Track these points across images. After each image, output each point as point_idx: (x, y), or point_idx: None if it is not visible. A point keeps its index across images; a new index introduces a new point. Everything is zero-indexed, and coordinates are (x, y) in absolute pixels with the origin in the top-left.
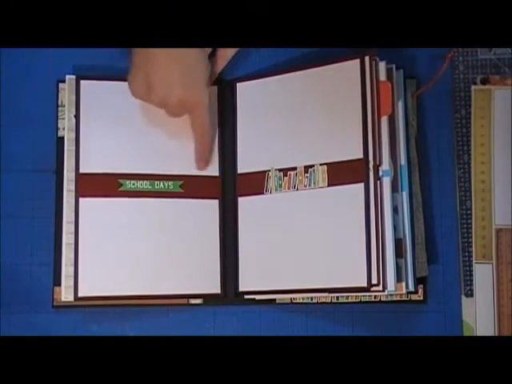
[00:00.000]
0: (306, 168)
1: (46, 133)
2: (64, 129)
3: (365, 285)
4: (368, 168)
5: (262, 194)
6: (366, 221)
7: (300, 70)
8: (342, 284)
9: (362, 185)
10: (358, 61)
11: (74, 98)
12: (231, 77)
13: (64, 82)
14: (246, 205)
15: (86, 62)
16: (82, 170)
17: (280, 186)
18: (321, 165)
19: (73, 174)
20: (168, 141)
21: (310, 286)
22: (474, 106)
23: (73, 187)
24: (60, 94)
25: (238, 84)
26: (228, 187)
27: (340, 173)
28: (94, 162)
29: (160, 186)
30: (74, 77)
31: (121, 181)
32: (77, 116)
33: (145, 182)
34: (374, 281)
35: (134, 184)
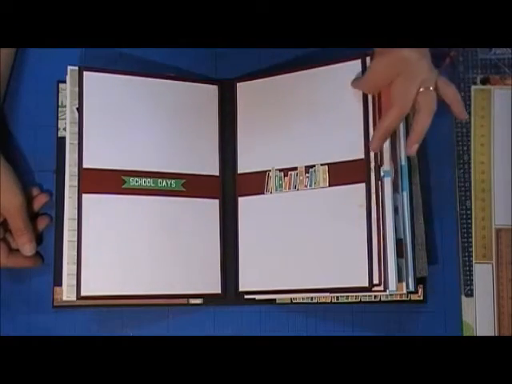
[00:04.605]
0: (307, 168)
1: (46, 133)
2: (64, 129)
3: (366, 285)
4: (369, 168)
5: (263, 194)
6: (368, 221)
7: (301, 70)
8: (343, 284)
9: (363, 185)
10: (359, 61)
11: (76, 90)
12: (231, 77)
13: (64, 82)
14: (247, 205)
15: (87, 63)
16: (85, 165)
17: (280, 186)
18: (322, 165)
19: (75, 170)
20: (171, 138)
21: (311, 286)
22: (474, 106)
23: (75, 183)
24: (60, 95)
25: (238, 84)
26: (228, 187)
27: (341, 173)
28: (97, 157)
29: (163, 184)
30: (76, 68)
31: (125, 178)
32: (79, 109)
33: (148, 179)
34: (376, 281)
35: (137, 181)
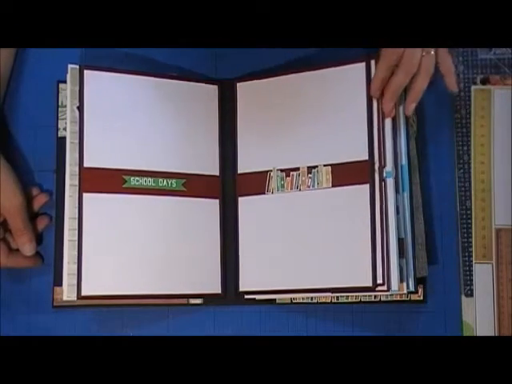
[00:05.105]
0: (309, 169)
1: (46, 133)
2: (65, 129)
3: (370, 284)
4: (373, 170)
5: (264, 194)
6: (372, 222)
7: (304, 71)
8: (346, 284)
9: (366, 186)
10: (363, 64)
11: (76, 89)
12: (231, 77)
13: (64, 82)
14: (247, 205)
15: (87, 63)
16: (85, 164)
17: (282, 186)
18: (324, 166)
19: (76, 169)
20: (172, 138)
21: (312, 285)
22: (473, 106)
23: (76, 182)
24: (60, 95)
25: (238, 84)
26: (228, 187)
27: (344, 174)
28: (98, 157)
29: (163, 183)
30: (77, 67)
31: (125, 177)
32: (80, 108)
33: (149, 179)
34: (380, 280)
35: (138, 181)
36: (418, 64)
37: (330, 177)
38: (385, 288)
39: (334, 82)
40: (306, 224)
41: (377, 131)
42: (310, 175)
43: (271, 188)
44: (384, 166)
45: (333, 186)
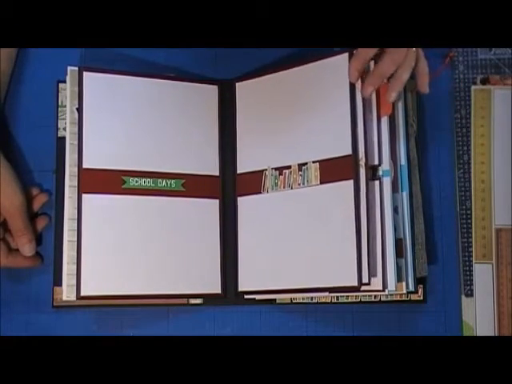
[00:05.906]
0: (300, 166)
1: (46, 133)
2: (64, 129)
3: (356, 284)
4: (358, 165)
5: (260, 193)
6: (356, 218)
7: (292, 67)
8: (335, 283)
9: (351, 182)
10: (346, 55)
11: (76, 90)
12: (231, 77)
13: (64, 82)
14: (246, 204)
15: (87, 63)
16: (85, 165)
17: (276, 184)
18: (313, 162)
19: (75, 170)
20: (171, 138)
21: (309, 285)
22: (474, 106)
23: (75, 183)
24: (60, 95)
25: (237, 84)
26: (228, 187)
27: (332, 170)
28: (97, 157)
29: (163, 184)
30: (76, 68)
31: (124, 178)
32: (79, 109)
33: (148, 179)
34: (365, 280)
35: (137, 181)
36: (405, 55)
37: (318, 173)
38: (378, 288)
39: (319, 75)
40: (300, 223)
41: (362, 126)
42: (300, 173)
43: (266, 187)
44: (380, 165)
45: (321, 182)
